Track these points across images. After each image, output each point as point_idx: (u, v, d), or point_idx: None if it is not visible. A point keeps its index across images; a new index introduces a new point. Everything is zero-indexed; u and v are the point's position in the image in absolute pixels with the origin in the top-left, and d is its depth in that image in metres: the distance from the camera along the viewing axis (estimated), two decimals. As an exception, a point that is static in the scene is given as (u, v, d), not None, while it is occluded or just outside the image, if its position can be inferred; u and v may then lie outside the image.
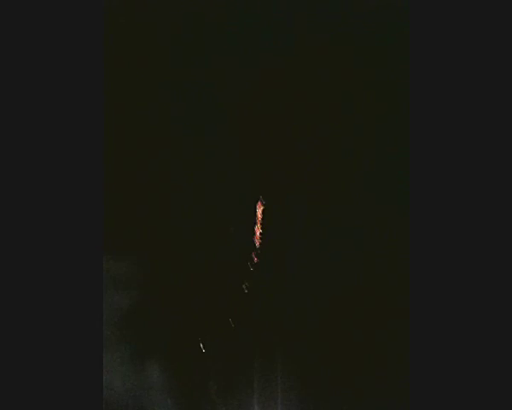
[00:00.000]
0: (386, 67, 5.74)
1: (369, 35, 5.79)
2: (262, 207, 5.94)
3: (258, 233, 5.96)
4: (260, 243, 5.94)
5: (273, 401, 5.74)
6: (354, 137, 5.93)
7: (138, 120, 5.94)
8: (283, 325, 5.82)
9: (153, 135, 5.97)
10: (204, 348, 5.80)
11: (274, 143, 6.12)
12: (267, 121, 6.08)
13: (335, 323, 5.72)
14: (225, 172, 5.95)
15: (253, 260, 5.97)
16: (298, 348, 5.74)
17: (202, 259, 5.96)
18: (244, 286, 5.92)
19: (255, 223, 5.99)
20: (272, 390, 5.76)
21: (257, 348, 5.83)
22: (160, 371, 5.69)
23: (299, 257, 5.96)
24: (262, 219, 5.96)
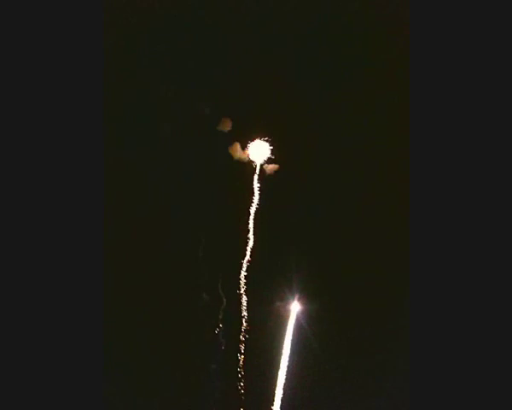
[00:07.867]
0: (386, 67, 5.75)
1: (369, 34, 5.79)
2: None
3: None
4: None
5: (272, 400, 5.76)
6: (353, 136, 5.94)
7: (136, 120, 5.94)
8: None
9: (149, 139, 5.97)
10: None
11: (273, 143, 6.11)
12: (266, 122, 6.09)
13: (335, 322, 5.73)
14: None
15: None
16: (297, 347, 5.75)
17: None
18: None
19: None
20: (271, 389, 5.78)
21: (258, 347, 5.84)
22: None
23: (299, 255, 5.97)
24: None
